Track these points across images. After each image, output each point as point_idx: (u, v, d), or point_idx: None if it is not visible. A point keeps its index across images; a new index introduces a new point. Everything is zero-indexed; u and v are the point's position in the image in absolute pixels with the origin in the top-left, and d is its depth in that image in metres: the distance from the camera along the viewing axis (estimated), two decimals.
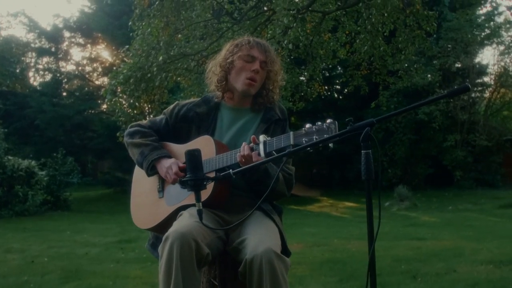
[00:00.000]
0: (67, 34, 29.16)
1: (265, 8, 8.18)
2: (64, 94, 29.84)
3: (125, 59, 11.90)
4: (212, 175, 2.60)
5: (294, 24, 6.78)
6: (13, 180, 16.76)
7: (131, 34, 8.59)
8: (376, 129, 23.20)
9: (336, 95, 27.38)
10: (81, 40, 29.59)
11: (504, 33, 22.76)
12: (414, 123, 22.03)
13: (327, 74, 23.90)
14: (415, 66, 16.00)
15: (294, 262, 6.91)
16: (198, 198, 2.20)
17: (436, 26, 7.94)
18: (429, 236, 9.38)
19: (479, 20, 22.85)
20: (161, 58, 7.55)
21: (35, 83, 29.66)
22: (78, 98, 28.20)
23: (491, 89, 24.17)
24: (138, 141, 2.84)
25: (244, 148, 2.49)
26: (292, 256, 7.71)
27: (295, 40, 7.53)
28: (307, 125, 2.38)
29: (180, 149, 2.82)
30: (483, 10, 23.88)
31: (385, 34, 8.09)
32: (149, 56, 7.82)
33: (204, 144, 2.70)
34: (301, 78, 10.37)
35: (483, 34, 22.98)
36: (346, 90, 24.75)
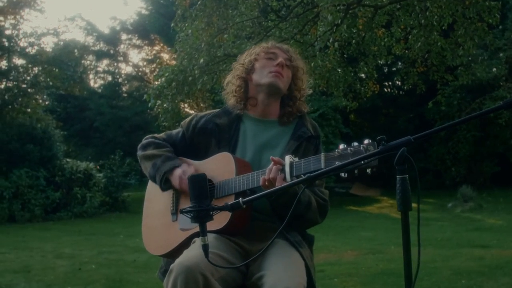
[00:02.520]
0: (124, 36, 29.59)
1: (311, 5, 7.76)
2: (124, 95, 30.27)
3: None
4: (232, 198, 2.28)
5: (339, 21, 6.36)
6: (71, 182, 17.05)
7: (176, 36, 8.40)
8: (438, 125, 22.23)
9: (396, 92, 26.56)
10: (138, 42, 29.96)
11: None
12: (479, 120, 20.98)
13: (386, 70, 23.16)
14: (479, 59, 15.19)
15: (345, 273, 6.57)
16: (203, 231, 1.87)
17: (500, 17, 7.33)
18: (494, 243, 8.75)
19: None
20: (202, 60, 7.28)
21: (96, 86, 30.28)
22: (136, 99, 28.50)
23: None
24: (150, 152, 2.55)
25: (271, 171, 2.16)
26: (345, 266, 7.32)
27: (344, 37, 7.11)
28: (341, 146, 2.02)
29: (197, 166, 2.51)
30: None
31: (443, 28, 7.55)
32: (191, 59, 7.58)
33: (223, 162, 2.40)
34: (360, 75, 9.89)
35: None
36: (405, 86, 24.02)
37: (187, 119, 2.66)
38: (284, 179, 2.14)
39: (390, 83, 26.04)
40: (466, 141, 21.21)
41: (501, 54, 20.38)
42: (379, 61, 9.25)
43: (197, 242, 2.24)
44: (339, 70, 8.58)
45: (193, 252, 2.13)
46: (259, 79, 2.48)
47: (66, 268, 7.60)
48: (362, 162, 1.86)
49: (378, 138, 1.80)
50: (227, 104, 2.63)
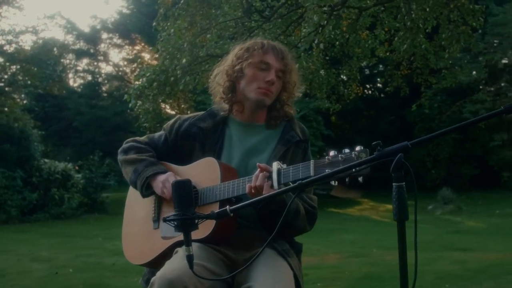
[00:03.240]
0: (104, 35, 29.31)
1: (295, 6, 7.66)
2: (104, 95, 29.98)
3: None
4: (216, 206, 2.17)
5: (325, 22, 6.28)
6: (49, 183, 16.80)
7: (158, 35, 8.25)
8: (419, 129, 22.48)
9: (377, 94, 26.64)
10: (119, 41, 29.70)
11: None
12: (459, 122, 20.99)
13: (367, 72, 23.21)
14: (459, 63, 15.25)
15: (328, 277, 6.48)
16: (187, 241, 1.76)
17: (483, 21, 7.32)
18: (476, 246, 8.75)
19: None
20: (184, 60, 7.14)
21: (75, 85, 29.93)
22: (117, 99, 28.23)
23: None
24: (132, 157, 2.41)
25: (257, 178, 2.04)
26: (327, 270, 7.23)
27: (328, 39, 7.03)
28: (331, 153, 1.91)
29: (180, 171, 2.38)
30: None
31: (427, 30, 7.52)
32: (173, 59, 7.44)
33: (207, 168, 2.27)
34: (342, 77, 9.82)
35: None
36: (387, 88, 24.06)
37: (170, 122, 2.53)
38: (272, 186, 2.02)
39: (371, 85, 26.11)
40: (446, 143, 21.37)
41: (480, 58, 20.55)
42: (362, 64, 9.16)
43: (180, 252, 2.13)
44: (322, 72, 8.50)
45: (176, 264, 2.02)
46: (247, 91, 2.34)
47: (43, 272, 7.41)
48: (354, 169, 1.77)
49: (373, 143, 1.71)
50: (213, 105, 2.51)
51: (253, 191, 2.05)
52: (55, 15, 27.43)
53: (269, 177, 2.04)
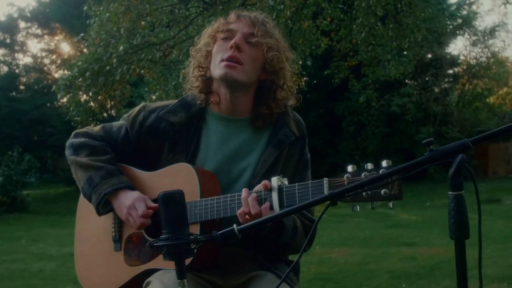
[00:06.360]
0: (22, 24, 27.85)
1: None
2: (22, 87, 28.53)
3: (85, 50, 10.83)
4: (196, 228, 1.71)
5: (282, 6, 5.90)
6: None
7: (87, 21, 7.58)
8: (347, 122, 22.64)
9: (305, 87, 26.65)
10: (38, 31, 28.26)
11: (476, 23, 22.52)
12: (387, 116, 21.52)
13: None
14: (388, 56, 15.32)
15: None
16: (181, 273, 1.32)
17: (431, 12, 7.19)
18: (418, 240, 8.68)
19: (452, 9, 22.45)
20: (121, 48, 6.56)
21: None
22: (36, 92, 26.93)
23: (463, 80, 23.89)
24: (84, 160, 1.88)
25: (248, 202, 1.61)
26: None
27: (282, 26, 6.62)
28: (350, 168, 1.53)
29: (147, 179, 1.89)
30: None
31: (371, 21, 7.30)
32: (108, 46, 6.82)
33: (182, 178, 1.78)
34: None
35: (454, 23, 22.63)
36: (315, 81, 24.04)
37: (133, 112, 1.99)
38: (271, 208, 1.59)
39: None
40: (374, 136, 21.63)
41: (405, 52, 20.85)
42: (307, 53, 8.75)
43: (156, 285, 1.68)
44: None
45: None
46: (212, 70, 1.85)
47: None
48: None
49: (424, 141, 1.34)
50: (186, 95, 2.01)
51: (247, 217, 1.60)
52: None
53: (268, 196, 1.61)
